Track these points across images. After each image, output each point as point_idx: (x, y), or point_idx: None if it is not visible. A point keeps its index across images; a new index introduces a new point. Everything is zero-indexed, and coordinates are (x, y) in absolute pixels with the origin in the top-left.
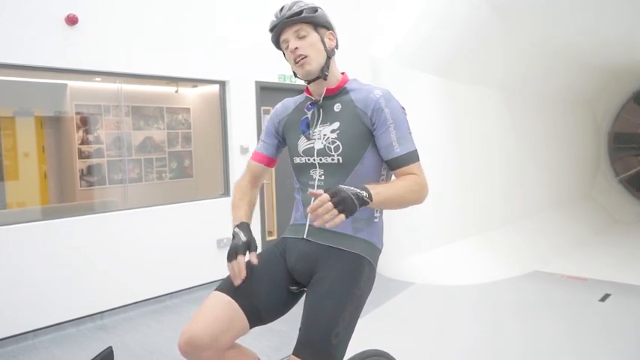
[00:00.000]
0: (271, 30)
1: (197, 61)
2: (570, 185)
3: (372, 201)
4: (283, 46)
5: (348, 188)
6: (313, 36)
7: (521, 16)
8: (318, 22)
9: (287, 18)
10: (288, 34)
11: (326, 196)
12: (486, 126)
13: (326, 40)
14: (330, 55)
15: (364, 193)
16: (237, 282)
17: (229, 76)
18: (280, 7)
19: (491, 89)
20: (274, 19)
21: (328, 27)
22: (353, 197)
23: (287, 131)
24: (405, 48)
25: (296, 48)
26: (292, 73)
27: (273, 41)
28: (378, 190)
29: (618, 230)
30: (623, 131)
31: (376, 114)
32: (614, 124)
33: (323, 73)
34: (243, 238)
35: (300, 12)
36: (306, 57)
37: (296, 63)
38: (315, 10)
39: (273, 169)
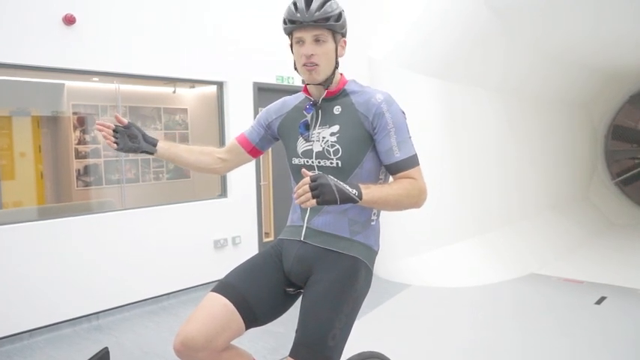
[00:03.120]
0: (291, 22)
1: (195, 62)
2: (567, 188)
3: (361, 200)
4: (295, 40)
5: (334, 179)
6: (330, 45)
7: (519, 18)
8: (339, 30)
9: (314, 21)
10: (306, 35)
11: (308, 178)
12: (484, 128)
13: (339, 48)
14: (337, 65)
15: (353, 191)
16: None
17: (227, 76)
18: (308, 0)
19: (489, 91)
20: (294, 10)
21: (344, 34)
22: (335, 190)
23: (284, 131)
24: (403, 49)
25: (311, 55)
26: (293, 68)
27: (285, 32)
28: (370, 190)
29: (614, 233)
30: (620, 130)
31: (377, 118)
32: (610, 125)
33: (326, 83)
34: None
35: (328, 18)
36: (317, 66)
37: (304, 66)
38: (340, 16)
39: (271, 169)
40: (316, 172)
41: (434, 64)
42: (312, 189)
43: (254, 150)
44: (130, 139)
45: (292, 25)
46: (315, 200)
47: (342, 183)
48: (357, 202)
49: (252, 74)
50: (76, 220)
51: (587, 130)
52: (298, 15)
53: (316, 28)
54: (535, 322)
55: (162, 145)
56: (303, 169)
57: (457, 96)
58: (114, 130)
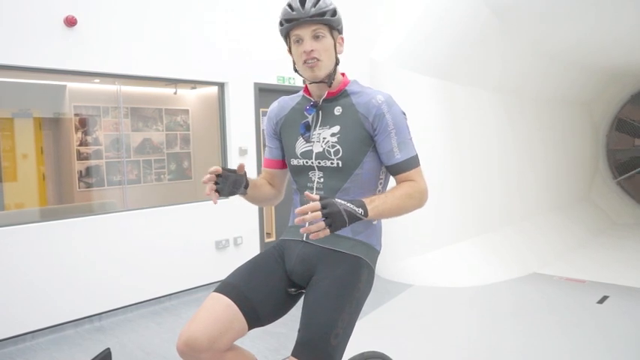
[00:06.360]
0: (288, 22)
1: (196, 63)
2: (569, 187)
3: (367, 217)
4: (293, 39)
5: (342, 203)
6: (328, 40)
7: (520, 18)
8: (335, 26)
9: (310, 16)
10: (304, 32)
11: (317, 204)
12: (485, 128)
13: (337, 45)
14: (337, 61)
15: (359, 210)
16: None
17: (228, 77)
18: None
19: (490, 91)
20: (290, 10)
21: (340, 31)
22: (344, 214)
23: (284, 131)
24: (404, 50)
25: (311, 50)
26: (293, 70)
27: (283, 33)
28: (375, 205)
29: (616, 232)
30: (623, 124)
31: (378, 120)
32: (611, 127)
33: (329, 80)
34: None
35: (324, 13)
36: (319, 61)
37: (305, 63)
38: (335, 12)
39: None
40: (316, 173)
41: (434, 64)
42: (324, 216)
43: (284, 163)
44: (234, 184)
45: (289, 24)
46: (328, 230)
47: (349, 204)
48: (364, 219)
49: (253, 75)
50: (78, 221)
51: (589, 130)
52: (294, 13)
53: (313, 24)
54: (537, 322)
55: (250, 188)
56: (307, 193)
57: (458, 96)
58: (218, 175)
